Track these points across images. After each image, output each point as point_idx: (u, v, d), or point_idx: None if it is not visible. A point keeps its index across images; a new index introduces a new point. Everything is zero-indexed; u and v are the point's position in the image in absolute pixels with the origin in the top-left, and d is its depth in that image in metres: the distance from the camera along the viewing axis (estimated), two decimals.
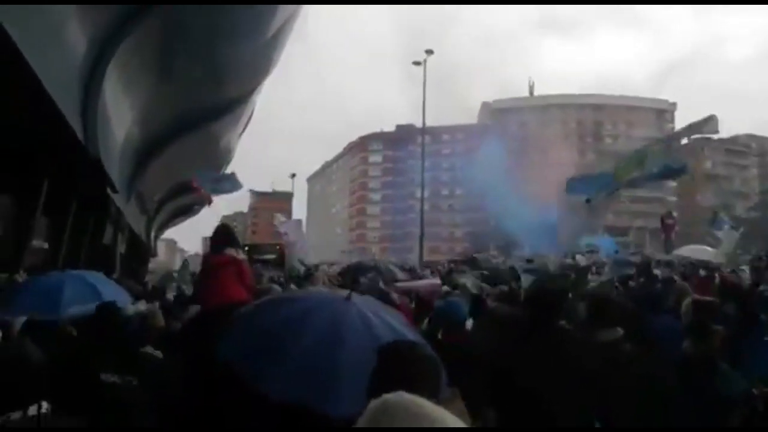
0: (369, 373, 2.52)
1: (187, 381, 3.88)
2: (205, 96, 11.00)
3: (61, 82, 5.73)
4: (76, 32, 6.16)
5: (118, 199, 10.58)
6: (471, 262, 16.71)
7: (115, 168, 9.45)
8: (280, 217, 14.54)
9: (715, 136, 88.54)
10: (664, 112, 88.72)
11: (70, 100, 6.26)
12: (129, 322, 3.71)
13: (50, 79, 5.08)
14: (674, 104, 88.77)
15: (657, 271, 9.79)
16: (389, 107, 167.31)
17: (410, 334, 3.05)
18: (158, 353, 3.59)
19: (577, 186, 9.57)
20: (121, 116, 9.04)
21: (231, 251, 5.11)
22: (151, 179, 12.63)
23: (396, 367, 1.92)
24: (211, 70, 9.92)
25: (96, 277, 5.50)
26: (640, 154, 8.96)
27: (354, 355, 2.58)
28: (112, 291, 5.04)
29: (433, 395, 1.73)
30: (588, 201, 9.22)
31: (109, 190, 9.47)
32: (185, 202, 17.84)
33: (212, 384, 3.36)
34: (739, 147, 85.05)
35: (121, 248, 13.05)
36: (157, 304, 5.09)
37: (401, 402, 1.09)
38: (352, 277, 11.06)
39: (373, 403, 1.12)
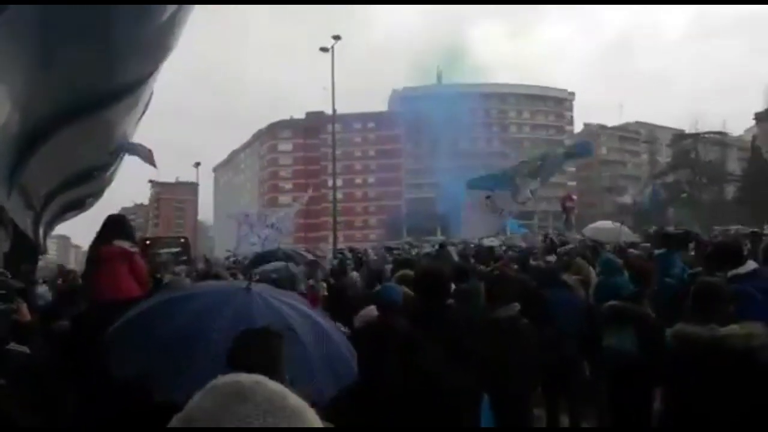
0: (285, 357, 2.51)
1: (79, 383, 3.63)
2: (96, 80, 10.21)
3: None
4: None
5: None
6: (386, 250, 17.16)
7: None
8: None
9: (609, 124, 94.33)
10: (563, 100, 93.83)
11: None
12: None
13: None
14: (573, 94, 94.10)
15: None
16: (298, 94, 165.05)
17: (315, 315, 3.09)
18: (24, 348, 3.33)
19: (478, 183, 9.95)
20: None
21: (120, 243, 4.79)
22: (37, 171, 11.66)
23: (247, 353, 1.94)
24: (103, 51, 9.23)
25: None
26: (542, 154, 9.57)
27: None
28: None
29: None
30: (488, 197, 9.48)
31: None
32: (77, 195, 16.67)
33: (107, 387, 3.15)
34: (630, 134, 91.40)
35: (5, 247, 11.98)
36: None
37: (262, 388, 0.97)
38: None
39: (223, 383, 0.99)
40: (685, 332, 2.98)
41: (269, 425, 0.92)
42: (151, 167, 13.73)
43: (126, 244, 4.88)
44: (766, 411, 2.74)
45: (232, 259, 17.11)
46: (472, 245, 11.86)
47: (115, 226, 5.03)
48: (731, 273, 3.88)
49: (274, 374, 1.04)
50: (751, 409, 2.73)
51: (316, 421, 0.98)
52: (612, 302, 5.06)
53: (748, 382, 2.75)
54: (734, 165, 59.64)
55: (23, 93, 8.84)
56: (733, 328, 2.87)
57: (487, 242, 14.13)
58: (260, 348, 2.02)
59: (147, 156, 12.69)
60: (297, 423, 0.95)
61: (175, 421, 0.98)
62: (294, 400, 0.97)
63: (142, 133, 15.73)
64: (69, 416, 3.37)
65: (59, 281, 11.12)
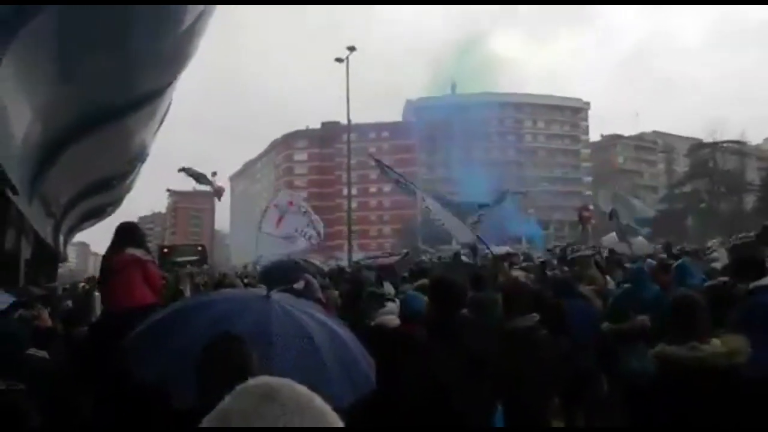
0: (302, 366, 2.53)
1: (96, 389, 3.67)
2: (115, 91, 10.37)
3: None
4: None
5: (19, 202, 9.85)
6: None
7: (14, 168, 8.79)
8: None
9: (625, 133, 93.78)
10: (579, 110, 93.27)
11: None
12: (9, 325, 3.48)
13: None
14: (588, 103, 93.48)
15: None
16: (314, 104, 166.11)
17: (333, 324, 3.10)
18: (43, 353, 3.37)
19: None
20: (20, 113, 8.41)
21: (132, 251, 4.83)
22: (57, 179, 11.85)
23: (224, 360, 1.97)
24: (121, 63, 9.37)
25: None
26: None
27: (285, 351, 2.59)
28: None
29: None
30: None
31: (8, 192, 8.82)
32: (96, 203, 16.89)
33: (124, 393, 3.18)
34: (647, 144, 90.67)
35: (26, 254, 12.17)
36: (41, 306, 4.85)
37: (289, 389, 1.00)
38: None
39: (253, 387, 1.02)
40: (665, 353, 2.89)
41: (296, 425, 0.95)
42: (168, 175, 13.88)
43: (139, 252, 4.93)
44: (753, 429, 2.67)
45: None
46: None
47: (127, 234, 5.07)
48: (753, 284, 3.81)
49: (243, 380, 1.07)
50: (738, 428, 2.65)
51: (339, 423, 1.02)
52: (607, 325, 5.05)
53: (735, 400, 2.67)
54: (753, 174, 58.78)
55: (45, 103, 9.00)
56: (715, 345, 2.79)
57: (503, 251, 14.08)
58: (227, 354, 2.05)
59: (219, 193, 13.11)
60: (322, 423, 0.98)
61: (206, 422, 1.01)
62: (319, 401, 1.01)
63: (159, 142, 15.93)
64: (85, 419, 3.41)
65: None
